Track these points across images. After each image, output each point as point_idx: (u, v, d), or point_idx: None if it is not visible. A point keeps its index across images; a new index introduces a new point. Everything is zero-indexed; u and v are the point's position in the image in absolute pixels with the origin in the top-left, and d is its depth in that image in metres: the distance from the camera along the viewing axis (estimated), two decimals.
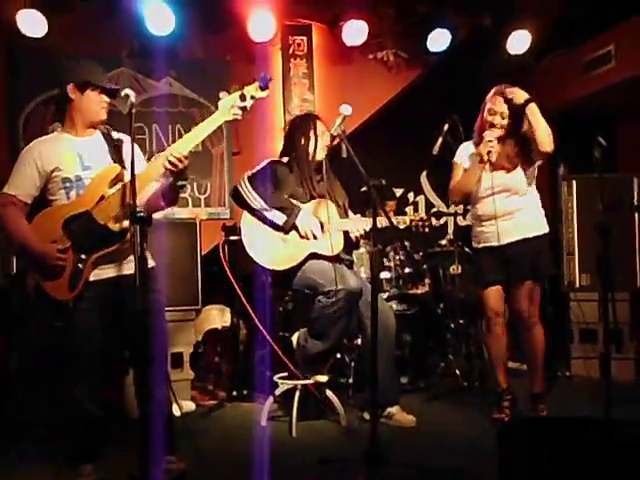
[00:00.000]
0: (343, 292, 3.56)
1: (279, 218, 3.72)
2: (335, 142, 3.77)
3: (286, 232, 3.73)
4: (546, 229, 3.74)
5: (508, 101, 3.65)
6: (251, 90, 2.94)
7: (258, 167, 3.85)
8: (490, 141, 3.65)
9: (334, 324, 3.61)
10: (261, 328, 3.88)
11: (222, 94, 2.96)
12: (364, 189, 5.82)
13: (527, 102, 3.60)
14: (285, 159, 3.92)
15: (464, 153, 3.86)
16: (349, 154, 3.32)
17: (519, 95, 3.64)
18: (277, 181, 3.80)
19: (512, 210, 3.69)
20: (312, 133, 3.89)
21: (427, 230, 3.86)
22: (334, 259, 3.70)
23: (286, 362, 3.81)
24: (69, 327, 2.88)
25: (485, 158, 3.66)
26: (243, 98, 2.92)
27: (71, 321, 2.87)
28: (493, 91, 3.74)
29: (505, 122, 3.68)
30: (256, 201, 3.72)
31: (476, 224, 3.86)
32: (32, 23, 4.94)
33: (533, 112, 3.59)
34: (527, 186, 3.71)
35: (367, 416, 3.79)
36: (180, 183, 2.94)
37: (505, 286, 3.76)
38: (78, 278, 2.83)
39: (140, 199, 2.94)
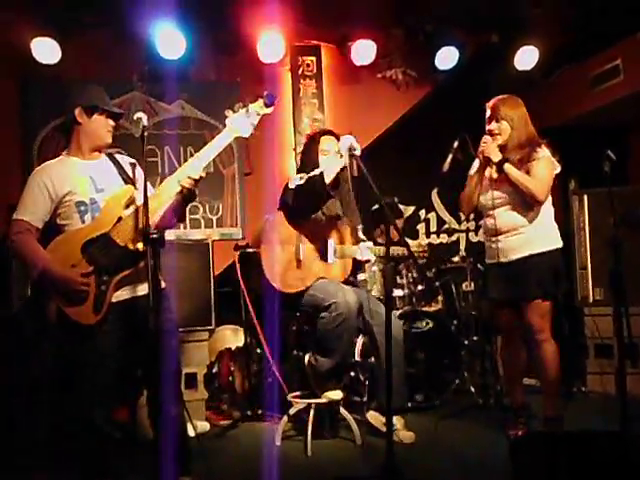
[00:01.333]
0: (341, 304, 3.60)
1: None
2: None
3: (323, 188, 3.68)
4: (558, 244, 3.63)
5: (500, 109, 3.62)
6: (256, 107, 2.98)
7: (292, 181, 3.88)
8: (485, 142, 3.62)
9: (339, 338, 3.64)
10: (267, 348, 3.89)
11: (227, 112, 3.00)
12: (375, 207, 5.87)
13: (501, 163, 3.56)
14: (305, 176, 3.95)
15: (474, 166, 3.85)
16: (361, 172, 3.35)
17: (494, 153, 3.60)
18: None
19: (518, 225, 3.59)
20: (315, 151, 3.93)
21: (424, 261, 3.90)
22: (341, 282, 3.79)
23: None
24: (91, 349, 2.87)
25: (480, 157, 3.64)
26: (249, 115, 2.96)
27: (94, 343, 2.86)
28: (494, 99, 3.70)
29: (504, 125, 3.61)
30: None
31: (485, 239, 3.81)
32: (46, 50, 5.04)
33: (509, 172, 3.54)
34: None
35: (373, 421, 3.83)
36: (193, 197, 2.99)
37: (514, 303, 3.66)
38: (102, 301, 2.82)
39: (152, 220, 2.97)
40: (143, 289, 2.94)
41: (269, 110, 3.00)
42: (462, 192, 3.85)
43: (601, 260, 4.69)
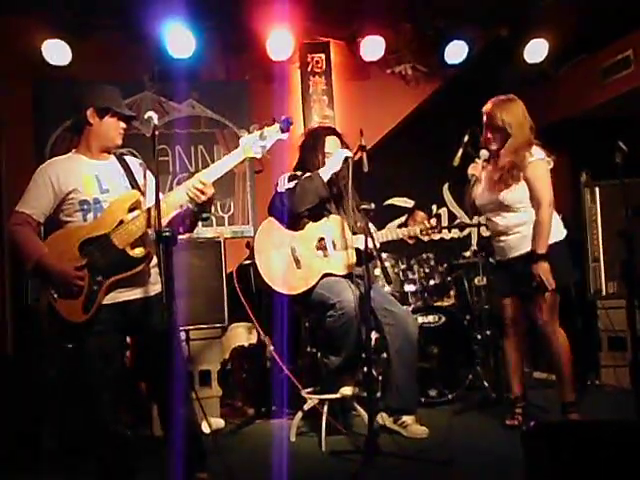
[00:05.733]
0: (346, 302, 3.61)
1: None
2: (357, 157, 3.82)
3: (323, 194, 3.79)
4: (557, 237, 3.61)
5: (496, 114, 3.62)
6: (271, 131, 2.99)
7: (281, 185, 3.89)
8: (476, 163, 3.74)
9: (346, 335, 3.65)
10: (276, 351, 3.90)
11: (242, 132, 3.01)
12: (387, 203, 5.86)
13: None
14: (299, 173, 3.96)
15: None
16: (347, 179, 3.56)
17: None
18: None
19: (513, 226, 3.66)
20: (320, 153, 3.94)
21: (437, 237, 3.98)
22: (347, 275, 3.80)
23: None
24: (83, 349, 2.88)
25: (470, 178, 3.75)
26: (263, 138, 2.97)
27: (85, 343, 2.87)
28: (490, 103, 3.69)
29: (501, 134, 3.63)
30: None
31: (491, 238, 3.93)
32: (57, 52, 5.09)
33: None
34: (530, 201, 3.62)
35: (381, 421, 3.83)
36: (204, 215, 2.98)
37: (520, 297, 3.76)
38: (93, 301, 2.82)
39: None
40: (144, 292, 2.95)
41: (284, 136, 3.01)
42: (466, 197, 3.91)
43: (614, 253, 4.66)
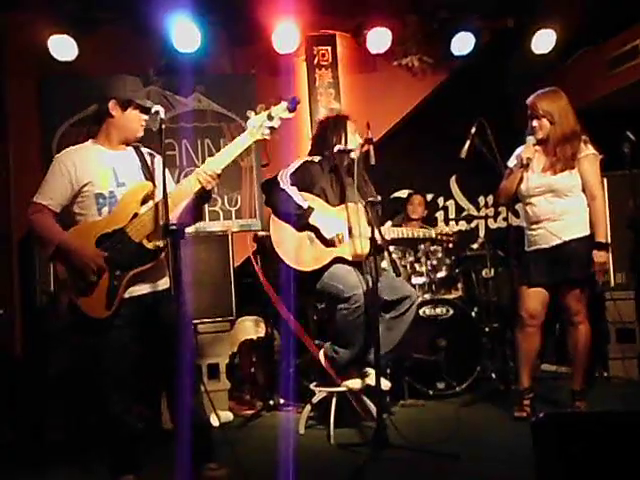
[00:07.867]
0: (361, 297, 3.58)
1: (303, 202, 3.73)
2: (364, 149, 3.80)
3: (305, 222, 3.72)
4: (587, 231, 3.73)
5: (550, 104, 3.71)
6: (278, 111, 2.98)
7: (295, 165, 3.87)
8: (529, 146, 3.75)
9: (358, 329, 3.64)
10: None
11: (249, 113, 2.99)
12: (394, 195, 5.83)
13: None
14: (317, 158, 3.93)
15: (513, 156, 3.93)
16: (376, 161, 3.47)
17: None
18: (310, 180, 3.83)
19: (560, 212, 3.70)
20: (343, 134, 3.90)
21: (450, 246, 4.01)
22: (358, 264, 3.74)
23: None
24: (104, 343, 2.89)
25: (524, 162, 3.74)
26: (270, 118, 2.96)
27: (106, 338, 2.88)
28: (532, 95, 3.78)
29: (545, 122, 3.71)
30: (288, 188, 3.75)
31: (526, 227, 3.91)
32: (63, 47, 5.08)
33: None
34: (578, 189, 3.72)
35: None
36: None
37: (551, 288, 3.79)
38: (114, 296, 2.83)
39: (173, 216, 2.96)
40: (156, 285, 2.96)
41: (291, 115, 3.01)
42: (501, 185, 3.92)
43: (622, 244, 4.64)
